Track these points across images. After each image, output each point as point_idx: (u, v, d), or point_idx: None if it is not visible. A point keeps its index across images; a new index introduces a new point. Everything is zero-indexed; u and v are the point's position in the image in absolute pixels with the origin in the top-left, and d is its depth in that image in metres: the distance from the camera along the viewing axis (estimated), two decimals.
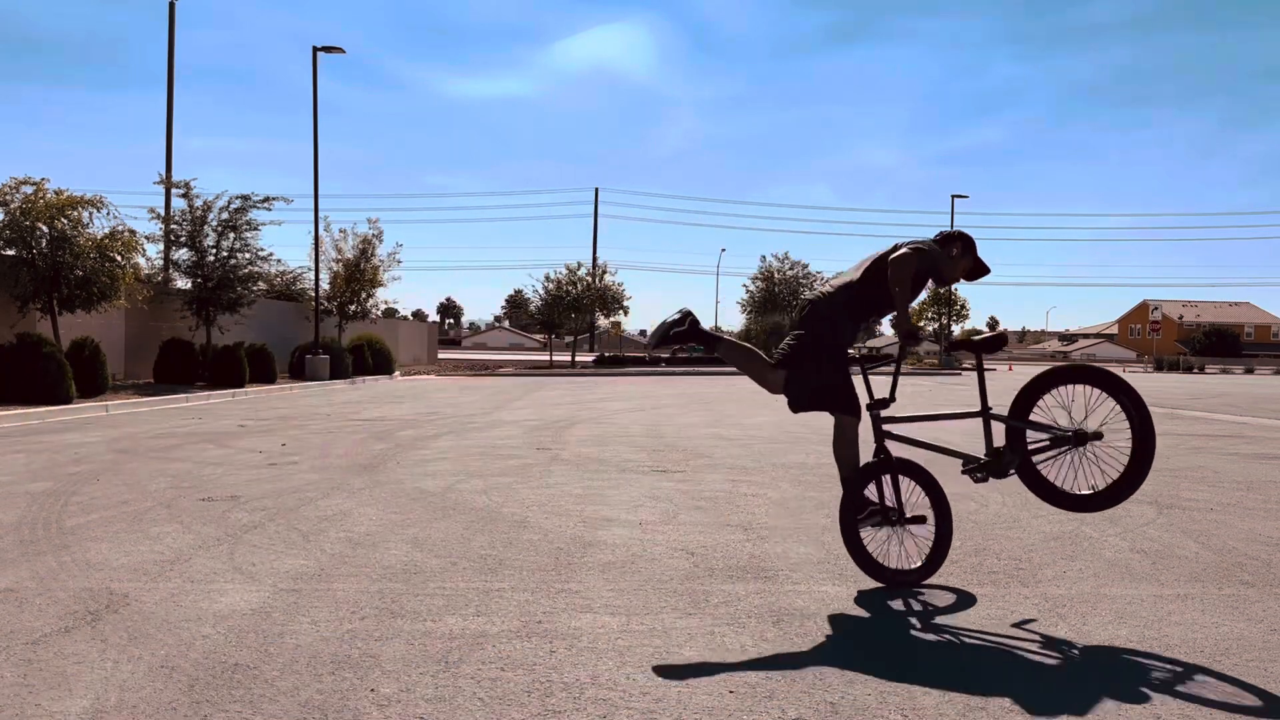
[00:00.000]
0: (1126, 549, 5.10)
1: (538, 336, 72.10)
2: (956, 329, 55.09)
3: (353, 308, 29.02)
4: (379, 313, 31.70)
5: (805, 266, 53.71)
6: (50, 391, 14.23)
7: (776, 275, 53.75)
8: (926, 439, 4.52)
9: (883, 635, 3.60)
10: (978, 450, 4.36)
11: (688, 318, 4.50)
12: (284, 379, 23.70)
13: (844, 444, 4.41)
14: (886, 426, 4.36)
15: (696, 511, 6.08)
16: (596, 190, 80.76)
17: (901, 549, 4.36)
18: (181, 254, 21.28)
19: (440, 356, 46.43)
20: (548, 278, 40.75)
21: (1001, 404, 4.53)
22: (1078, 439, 4.11)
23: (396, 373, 30.14)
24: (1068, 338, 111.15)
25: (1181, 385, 29.27)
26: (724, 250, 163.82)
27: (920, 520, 4.25)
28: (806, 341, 4.36)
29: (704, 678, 3.14)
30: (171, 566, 4.53)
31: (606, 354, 49.39)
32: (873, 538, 4.37)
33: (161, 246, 21.43)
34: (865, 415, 4.36)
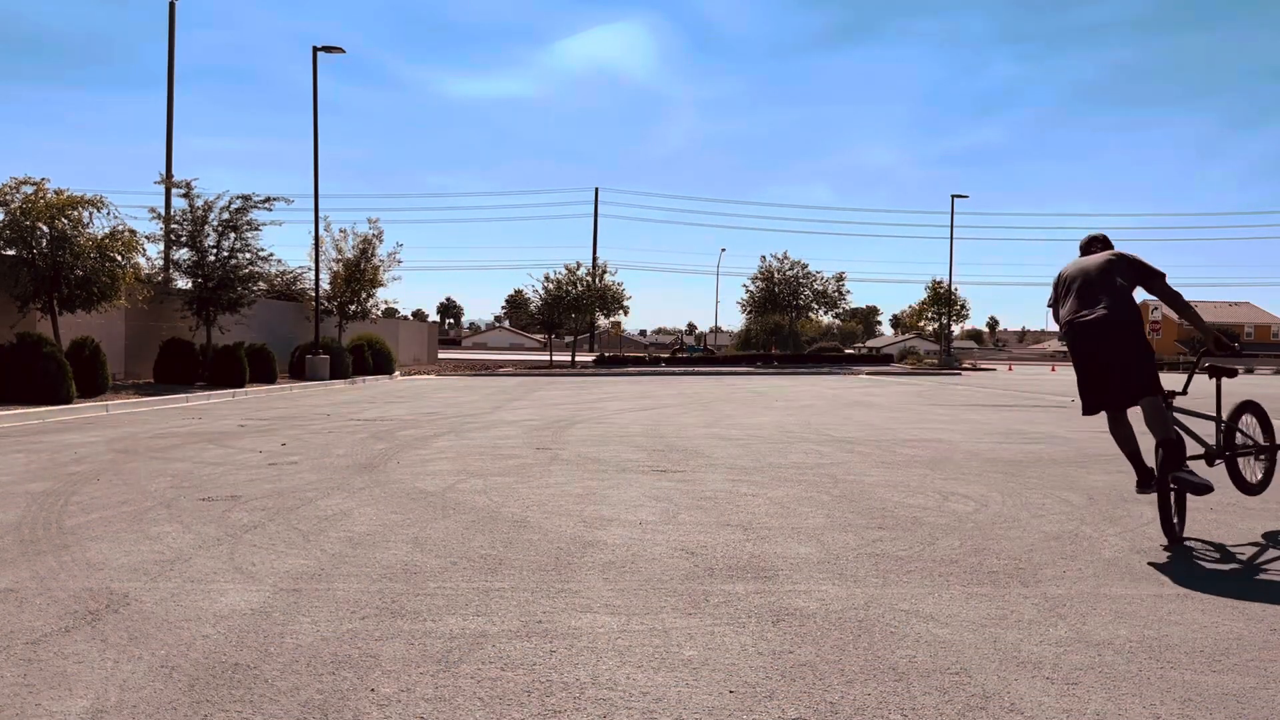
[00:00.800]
0: (1126, 549, 5.10)
1: (538, 336, 72.12)
2: (956, 329, 55.07)
3: (353, 308, 29.04)
4: (379, 313, 31.71)
5: (805, 266, 53.75)
6: (50, 391, 14.23)
7: (776, 275, 53.77)
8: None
9: (883, 635, 3.60)
10: None
11: None
12: (284, 379, 23.71)
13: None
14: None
15: (696, 511, 6.08)
16: (596, 190, 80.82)
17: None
18: (182, 254, 21.29)
19: (440, 356, 46.44)
20: (548, 278, 40.78)
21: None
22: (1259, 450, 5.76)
23: (396, 373, 30.15)
24: None
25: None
26: (724, 250, 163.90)
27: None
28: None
29: (704, 678, 3.14)
30: (171, 566, 4.53)
31: (606, 354, 49.42)
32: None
33: (162, 246, 21.45)
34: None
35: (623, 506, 6.24)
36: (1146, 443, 5.37)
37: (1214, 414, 5.64)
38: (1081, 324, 5.16)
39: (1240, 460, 5.71)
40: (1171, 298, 5.29)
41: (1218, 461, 5.54)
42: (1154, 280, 5.27)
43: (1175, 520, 5.21)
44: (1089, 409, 5.36)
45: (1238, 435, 5.67)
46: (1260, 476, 5.80)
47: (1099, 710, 2.90)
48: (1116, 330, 5.07)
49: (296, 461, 8.41)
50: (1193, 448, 5.45)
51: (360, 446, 9.66)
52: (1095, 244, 5.70)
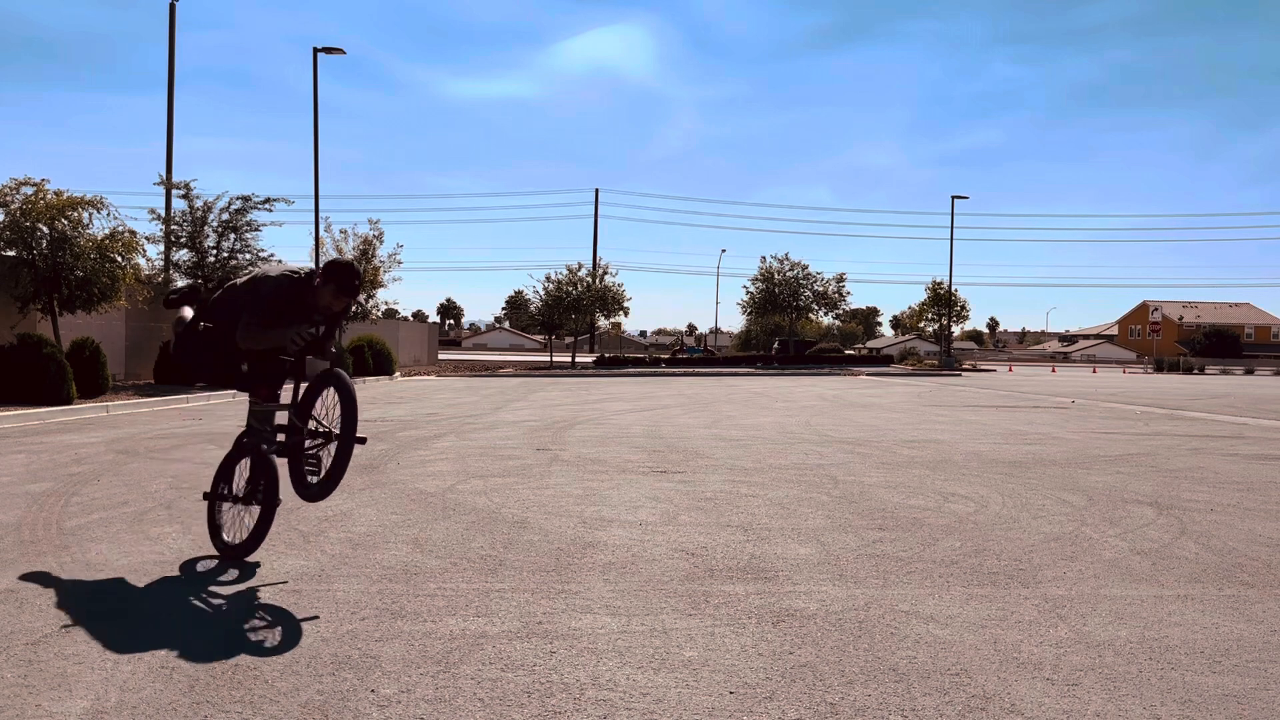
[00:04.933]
0: (1126, 549, 5.10)
1: (538, 337, 72.14)
2: (956, 330, 55.11)
3: (353, 308, 29.04)
4: (379, 313, 31.69)
5: (805, 267, 53.77)
6: (51, 392, 14.22)
7: (776, 276, 53.79)
8: None
9: (883, 636, 3.60)
10: None
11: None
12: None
13: None
14: None
15: (696, 512, 6.08)
16: (597, 191, 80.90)
17: None
18: (182, 255, 21.27)
19: (440, 357, 46.44)
20: (548, 278, 40.74)
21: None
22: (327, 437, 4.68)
23: (396, 373, 30.14)
24: (1068, 338, 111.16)
25: (1182, 386, 29.28)
26: (724, 251, 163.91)
27: None
28: None
29: (704, 678, 3.14)
30: (172, 567, 4.53)
31: (607, 355, 49.42)
32: None
33: (162, 247, 21.43)
34: None
35: (623, 507, 6.24)
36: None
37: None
38: None
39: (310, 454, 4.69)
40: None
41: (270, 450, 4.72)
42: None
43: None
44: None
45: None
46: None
47: (1099, 711, 2.90)
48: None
49: None
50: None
51: (358, 448, 9.66)
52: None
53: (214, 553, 4.81)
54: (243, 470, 4.78)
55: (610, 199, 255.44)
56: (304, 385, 4.72)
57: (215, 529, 4.78)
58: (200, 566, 4.55)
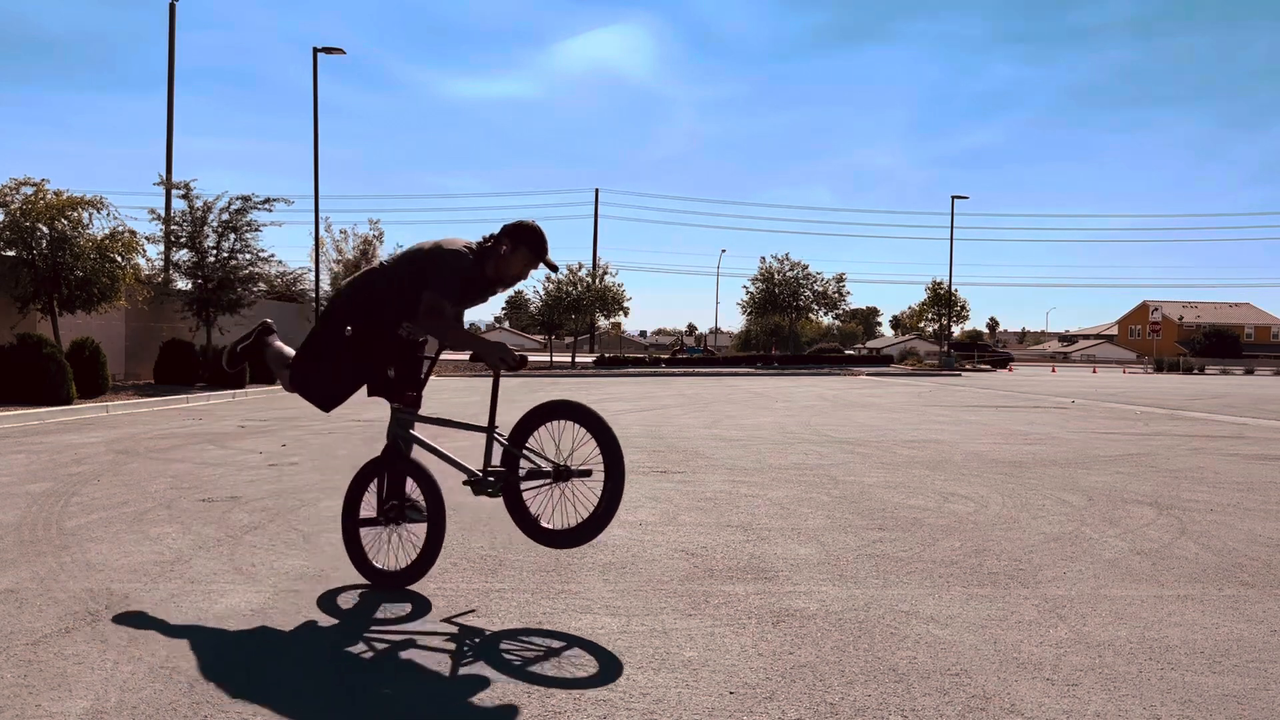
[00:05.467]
0: (1126, 550, 5.10)
1: (538, 337, 72.14)
2: (956, 330, 55.09)
3: None
4: None
5: (805, 267, 53.74)
6: (51, 392, 14.23)
7: (776, 276, 53.74)
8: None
9: (883, 636, 3.60)
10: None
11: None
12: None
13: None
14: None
15: (696, 512, 6.08)
16: (597, 191, 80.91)
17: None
18: (182, 255, 21.29)
19: (441, 357, 46.44)
20: (548, 279, 40.77)
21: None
22: (558, 475, 3.91)
23: None
24: (1068, 338, 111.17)
25: (1182, 386, 29.28)
26: (724, 251, 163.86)
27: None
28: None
29: (704, 679, 3.14)
30: (172, 567, 4.53)
31: (606, 355, 49.43)
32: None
33: (162, 247, 21.44)
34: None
35: (622, 507, 6.24)
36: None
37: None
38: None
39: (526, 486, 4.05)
40: (427, 324, 3.99)
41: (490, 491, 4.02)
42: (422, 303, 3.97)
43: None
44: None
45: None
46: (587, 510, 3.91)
47: (1099, 711, 2.90)
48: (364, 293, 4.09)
49: (297, 462, 8.41)
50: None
51: (361, 447, 9.66)
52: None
53: (214, 553, 4.81)
54: (384, 486, 4.22)
55: (610, 199, 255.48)
56: (496, 406, 4.16)
57: (361, 557, 4.20)
58: (200, 566, 4.55)
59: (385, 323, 4.04)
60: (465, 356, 54.99)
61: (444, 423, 4.43)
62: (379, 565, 4.18)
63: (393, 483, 4.20)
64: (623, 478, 3.77)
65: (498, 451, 4.06)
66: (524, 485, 4.01)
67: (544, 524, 3.96)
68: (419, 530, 4.19)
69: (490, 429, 4.08)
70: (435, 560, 4.11)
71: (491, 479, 3.98)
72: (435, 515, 4.05)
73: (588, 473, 3.89)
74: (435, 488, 4.07)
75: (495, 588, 4.22)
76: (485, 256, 4.02)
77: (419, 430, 4.31)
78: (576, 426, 3.86)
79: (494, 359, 3.90)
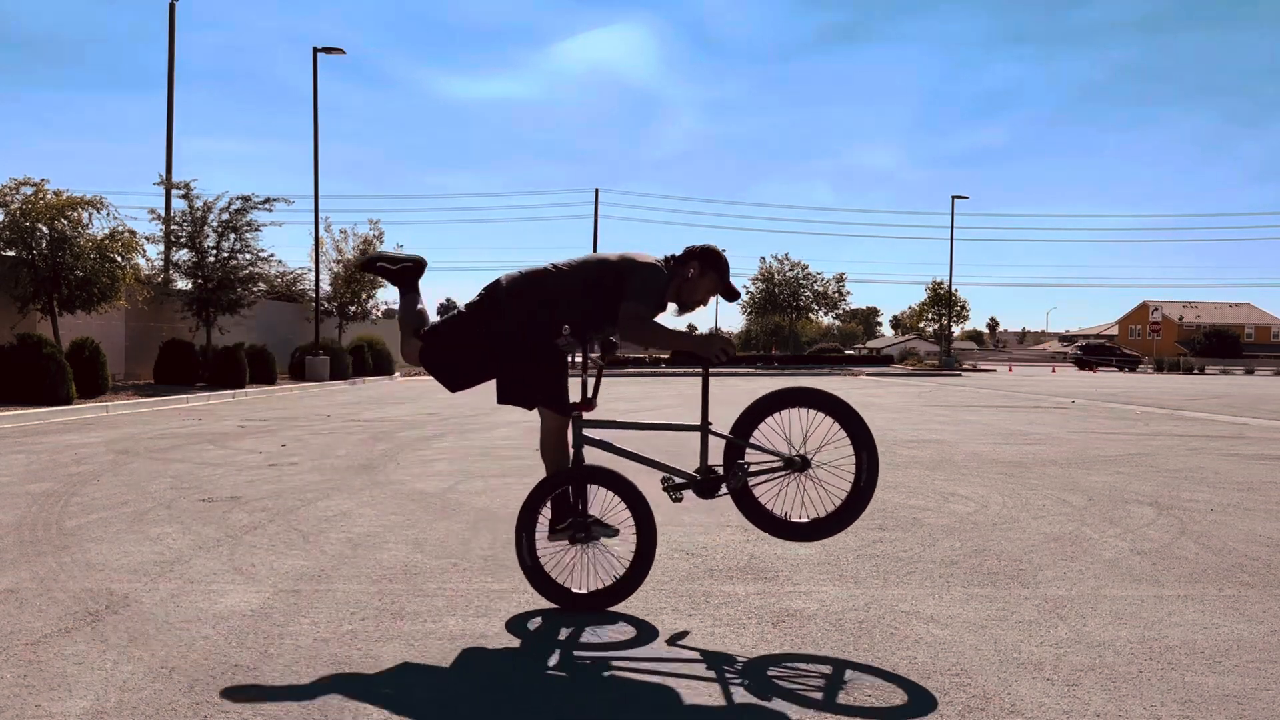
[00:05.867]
0: (1126, 550, 5.10)
1: None
2: (957, 330, 55.07)
3: (353, 308, 29.04)
4: (379, 313, 31.71)
5: (805, 267, 53.74)
6: (50, 392, 14.23)
7: (776, 276, 53.75)
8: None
9: (883, 636, 3.60)
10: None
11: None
12: (284, 380, 23.70)
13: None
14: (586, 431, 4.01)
15: (696, 512, 6.08)
16: (597, 191, 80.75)
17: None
18: (182, 255, 21.29)
19: None
20: None
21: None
22: (794, 466, 3.79)
23: (397, 374, 30.14)
24: (1068, 338, 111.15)
25: (1182, 386, 29.28)
26: (724, 250, 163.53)
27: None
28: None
29: (704, 678, 3.14)
30: (171, 567, 4.53)
31: None
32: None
33: (162, 247, 21.45)
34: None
35: (622, 508, 6.22)
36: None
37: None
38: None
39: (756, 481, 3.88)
40: (632, 331, 3.88)
41: (722, 492, 3.87)
42: (620, 314, 3.83)
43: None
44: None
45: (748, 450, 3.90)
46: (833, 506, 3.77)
47: (1099, 711, 2.90)
48: (502, 307, 3.91)
49: (297, 462, 8.41)
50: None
51: (360, 447, 9.66)
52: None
53: (214, 553, 4.81)
54: (567, 500, 3.97)
55: (610, 199, 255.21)
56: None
57: (545, 580, 3.90)
58: (200, 567, 4.55)
59: (550, 325, 3.86)
60: None
61: (649, 427, 4.29)
62: (568, 586, 3.90)
63: (579, 495, 3.93)
64: (876, 461, 3.67)
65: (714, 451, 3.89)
66: (754, 481, 3.83)
67: (787, 518, 3.81)
68: (610, 544, 3.96)
69: (704, 426, 3.94)
70: (645, 576, 3.85)
71: (718, 477, 3.82)
72: (646, 526, 3.80)
73: (806, 464, 3.78)
74: (641, 497, 3.84)
75: (495, 588, 4.22)
76: (670, 277, 3.89)
77: (607, 435, 4.11)
78: (808, 413, 3.73)
79: (714, 352, 3.81)
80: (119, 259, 17.00)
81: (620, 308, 3.77)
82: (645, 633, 3.62)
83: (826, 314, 58.30)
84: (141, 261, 18.61)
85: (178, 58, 45.62)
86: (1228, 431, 12.67)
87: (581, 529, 3.90)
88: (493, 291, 3.93)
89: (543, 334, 3.88)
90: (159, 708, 2.85)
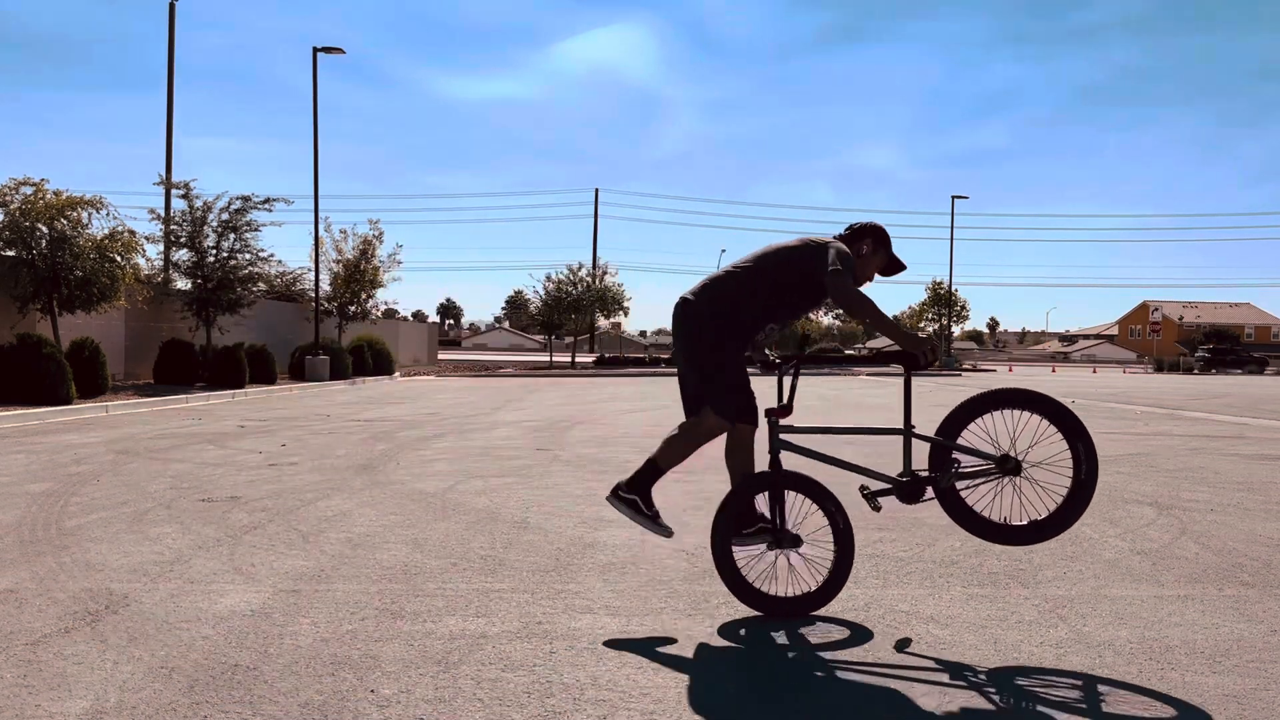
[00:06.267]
0: (1126, 550, 5.10)
1: (538, 337, 72.16)
2: (957, 330, 55.06)
3: (353, 308, 29.03)
4: (379, 313, 31.69)
5: None
6: (50, 392, 14.23)
7: None
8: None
9: (883, 636, 3.60)
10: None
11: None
12: (284, 380, 23.70)
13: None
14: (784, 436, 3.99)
15: (697, 512, 6.07)
16: (596, 191, 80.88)
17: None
18: (181, 255, 21.28)
19: (440, 357, 46.43)
20: (548, 278, 40.75)
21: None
22: (1007, 468, 3.76)
23: (396, 373, 30.14)
24: (1068, 338, 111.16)
25: (1182, 386, 29.28)
26: (724, 250, 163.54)
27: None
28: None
29: (704, 678, 3.14)
30: (171, 567, 4.53)
31: (607, 355, 49.40)
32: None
33: (161, 247, 21.44)
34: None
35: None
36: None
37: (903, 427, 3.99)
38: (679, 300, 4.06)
39: (963, 486, 3.89)
40: (845, 298, 3.80)
41: (927, 497, 3.93)
42: (827, 283, 3.81)
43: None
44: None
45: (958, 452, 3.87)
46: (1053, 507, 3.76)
47: (1100, 712, 2.90)
48: (689, 320, 3.94)
49: (296, 462, 8.41)
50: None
51: (360, 447, 9.66)
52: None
53: (213, 553, 4.82)
54: (763, 504, 3.95)
55: (610, 199, 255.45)
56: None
57: (743, 584, 3.82)
58: (200, 567, 4.55)
59: (747, 327, 3.92)
60: (465, 357, 54.92)
61: (847, 431, 4.34)
62: (766, 590, 3.86)
63: (776, 501, 3.92)
64: (1095, 452, 3.63)
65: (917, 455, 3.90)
66: (964, 485, 3.81)
67: (1006, 522, 3.74)
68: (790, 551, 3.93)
69: (908, 429, 3.89)
70: (845, 581, 3.84)
71: (923, 479, 3.82)
72: (846, 532, 3.79)
73: (1014, 466, 3.73)
74: (838, 502, 3.84)
75: (495, 588, 4.22)
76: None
77: (803, 440, 4.09)
78: (1014, 414, 3.70)
79: (923, 350, 3.71)
80: (119, 259, 16.99)
81: (826, 280, 3.75)
82: (859, 634, 3.60)
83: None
84: (141, 261, 18.61)
85: (178, 57, 45.62)
86: (1228, 431, 12.67)
87: (781, 535, 3.87)
88: (687, 309, 3.94)
89: (737, 341, 3.93)
90: (159, 708, 2.84)
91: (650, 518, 4.04)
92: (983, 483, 3.80)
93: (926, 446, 3.89)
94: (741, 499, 3.90)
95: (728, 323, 3.88)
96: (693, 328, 3.92)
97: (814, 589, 3.83)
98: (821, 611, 3.87)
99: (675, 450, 4.10)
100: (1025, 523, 3.76)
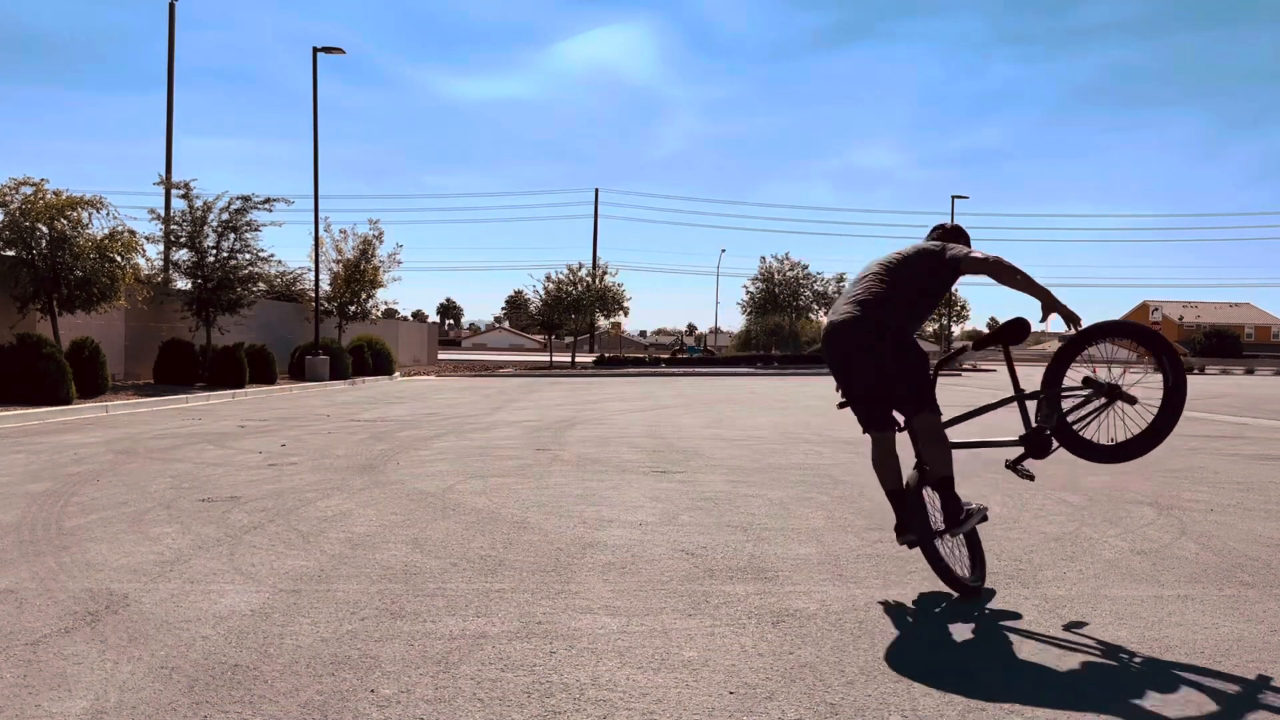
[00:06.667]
0: (1126, 550, 5.10)
1: (537, 337, 72.14)
2: (956, 329, 55.03)
3: (353, 308, 29.02)
4: (379, 313, 31.68)
5: (805, 267, 53.70)
6: (50, 392, 14.23)
7: (776, 276, 53.72)
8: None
9: (883, 636, 3.60)
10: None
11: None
12: (284, 380, 23.70)
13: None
14: None
15: (696, 512, 6.08)
16: (597, 191, 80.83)
17: None
18: (181, 255, 21.27)
19: (440, 357, 46.43)
20: (548, 278, 40.73)
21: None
22: (1110, 393, 4.10)
23: (396, 373, 30.14)
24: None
25: None
26: (724, 250, 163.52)
27: None
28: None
29: (704, 679, 3.14)
30: (171, 567, 4.53)
31: (606, 355, 49.41)
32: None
33: (161, 247, 21.43)
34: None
35: (623, 507, 6.24)
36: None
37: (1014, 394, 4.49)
38: (831, 327, 4.30)
39: (1077, 420, 4.28)
40: (983, 266, 4.14)
41: (1055, 447, 4.29)
42: (955, 260, 4.20)
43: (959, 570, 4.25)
44: (863, 426, 4.41)
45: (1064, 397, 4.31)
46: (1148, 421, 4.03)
47: (1100, 712, 2.90)
48: (864, 335, 4.16)
49: (296, 462, 8.41)
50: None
51: (360, 447, 9.66)
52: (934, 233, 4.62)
53: (213, 553, 4.82)
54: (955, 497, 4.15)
55: (610, 199, 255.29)
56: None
57: (946, 569, 4.17)
58: (200, 566, 4.55)
59: (911, 332, 4.27)
60: (465, 357, 54.94)
61: (977, 411, 4.74)
62: (960, 574, 4.17)
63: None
64: (1179, 361, 3.88)
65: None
66: (1074, 418, 4.17)
67: (1114, 442, 4.05)
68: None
69: (1019, 393, 4.34)
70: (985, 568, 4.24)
71: (1040, 429, 4.21)
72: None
73: (1130, 398, 4.04)
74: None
75: (495, 588, 4.22)
76: None
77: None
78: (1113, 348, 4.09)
79: (1065, 314, 4.03)
80: (119, 259, 16.98)
81: (961, 262, 4.16)
82: (858, 635, 3.63)
83: (827, 314, 58.32)
84: (141, 261, 18.60)
85: (177, 57, 45.61)
86: (1228, 431, 12.68)
87: (979, 517, 4.18)
88: (869, 314, 4.14)
89: (914, 346, 4.23)
90: (159, 708, 2.84)
91: (974, 512, 4.17)
92: (1090, 411, 4.13)
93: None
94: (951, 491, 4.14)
95: (900, 334, 4.17)
96: (874, 343, 4.14)
97: (971, 571, 4.24)
98: (822, 612, 3.88)
99: (944, 454, 4.21)
100: (1138, 433, 3.97)
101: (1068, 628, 3.73)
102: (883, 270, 4.26)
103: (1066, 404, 4.22)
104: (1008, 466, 4.34)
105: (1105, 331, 4.11)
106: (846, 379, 4.29)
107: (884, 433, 4.29)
